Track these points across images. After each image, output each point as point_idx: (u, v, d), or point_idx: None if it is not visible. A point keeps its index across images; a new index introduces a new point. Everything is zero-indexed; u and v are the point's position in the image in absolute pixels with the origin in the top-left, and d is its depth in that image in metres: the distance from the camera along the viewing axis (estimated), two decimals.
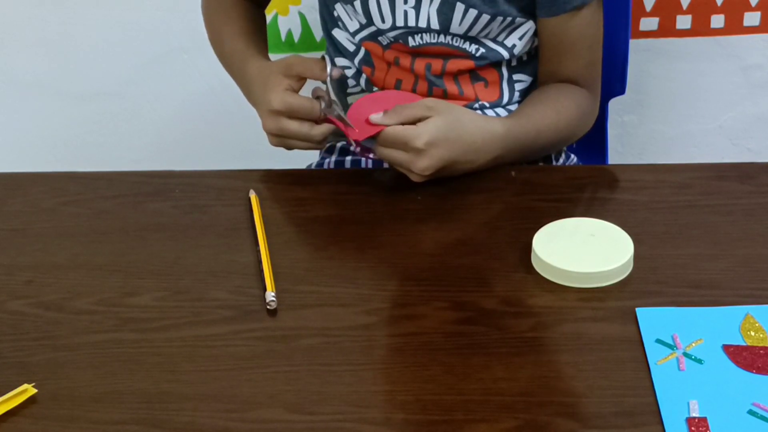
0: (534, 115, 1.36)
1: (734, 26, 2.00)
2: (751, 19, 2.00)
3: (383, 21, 1.39)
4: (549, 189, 1.29)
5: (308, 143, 1.30)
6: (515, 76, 1.45)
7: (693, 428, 0.95)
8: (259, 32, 1.51)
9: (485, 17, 1.36)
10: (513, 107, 1.46)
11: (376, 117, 1.25)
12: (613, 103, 1.62)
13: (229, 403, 1.00)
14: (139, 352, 1.07)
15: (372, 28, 1.42)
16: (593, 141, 1.62)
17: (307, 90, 1.32)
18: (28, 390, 1.01)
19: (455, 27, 1.37)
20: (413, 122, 1.24)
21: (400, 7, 1.38)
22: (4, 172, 1.35)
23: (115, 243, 1.22)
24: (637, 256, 1.15)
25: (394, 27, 1.39)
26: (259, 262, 1.16)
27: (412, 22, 1.38)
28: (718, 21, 1.99)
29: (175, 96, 2.08)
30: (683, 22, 2.00)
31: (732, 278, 1.14)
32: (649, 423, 0.97)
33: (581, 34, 1.39)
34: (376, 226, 1.23)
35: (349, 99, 1.50)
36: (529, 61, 1.45)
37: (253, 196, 1.26)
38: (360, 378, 1.03)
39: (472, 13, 1.36)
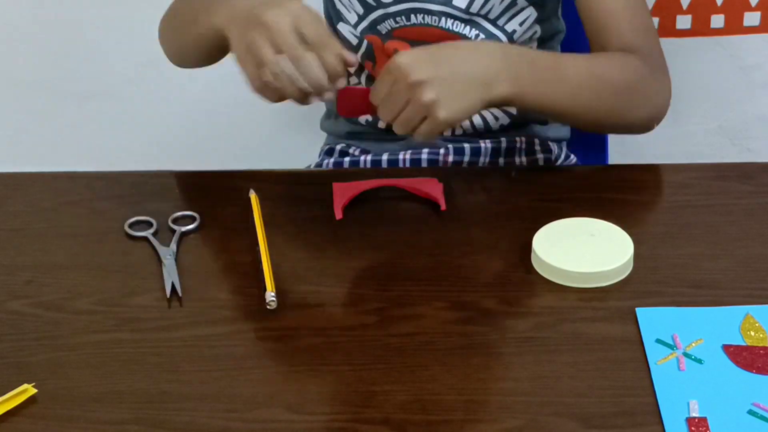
0: (556, 52, 1.29)
1: (734, 26, 2.00)
2: (751, 19, 2.00)
3: None
4: (549, 189, 1.29)
5: (309, 82, 1.15)
6: None
7: (693, 428, 0.95)
8: None
9: None
10: (509, 108, 1.46)
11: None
12: None
13: (229, 403, 1.00)
14: (139, 352, 1.07)
15: (372, 16, 1.41)
16: (593, 141, 1.62)
17: None
18: (28, 390, 1.01)
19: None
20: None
21: None
22: (4, 172, 1.35)
23: (115, 243, 1.22)
24: (637, 256, 1.15)
25: (396, 1, 1.37)
26: (259, 262, 1.16)
27: None
28: (718, 21, 1.99)
29: (175, 96, 2.08)
30: (683, 22, 1.99)
31: (732, 278, 1.14)
32: (649, 423, 0.97)
33: (619, 1, 1.33)
34: (376, 226, 1.23)
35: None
36: None
37: (253, 196, 1.26)
38: (360, 378, 1.03)
39: None
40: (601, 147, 1.63)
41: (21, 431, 0.99)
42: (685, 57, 2.02)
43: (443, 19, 1.39)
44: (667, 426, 0.96)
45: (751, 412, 0.97)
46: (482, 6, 1.38)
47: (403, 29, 1.41)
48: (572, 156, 1.54)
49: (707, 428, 0.95)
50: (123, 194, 1.30)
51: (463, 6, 1.38)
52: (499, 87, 1.20)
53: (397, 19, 1.40)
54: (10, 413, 1.00)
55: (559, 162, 1.51)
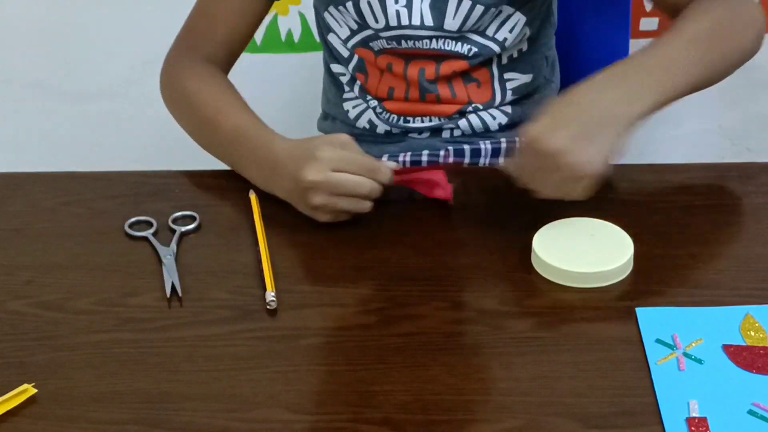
0: (643, 48, 1.23)
1: None
2: None
3: (376, 21, 1.38)
4: None
5: (365, 195, 1.21)
6: (506, 75, 1.45)
7: (693, 428, 0.95)
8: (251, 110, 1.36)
9: (479, 9, 1.36)
10: (506, 108, 1.46)
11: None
12: None
13: (229, 403, 1.00)
14: (139, 352, 1.07)
15: (363, 34, 1.42)
16: None
17: None
18: (28, 390, 1.01)
19: (449, 22, 1.37)
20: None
21: (391, 7, 1.37)
22: (4, 172, 1.35)
23: (115, 243, 1.22)
24: (637, 256, 1.15)
25: (387, 27, 1.38)
26: (259, 262, 1.16)
27: (405, 21, 1.37)
28: None
29: None
30: None
31: (732, 278, 1.14)
32: (649, 423, 0.97)
33: None
34: (376, 226, 1.23)
35: (347, 105, 1.49)
36: (520, 59, 1.45)
37: (253, 196, 1.26)
38: (360, 378, 1.03)
39: (466, 4, 1.36)
40: None
41: (21, 431, 0.99)
42: None
43: (434, 40, 1.39)
44: (667, 426, 0.96)
45: (751, 412, 0.97)
46: (474, 24, 1.38)
47: (395, 49, 1.42)
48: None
49: (707, 428, 0.95)
50: (123, 194, 1.30)
51: (455, 28, 1.38)
52: (630, 115, 1.16)
53: (389, 41, 1.40)
54: (10, 413, 1.00)
55: None
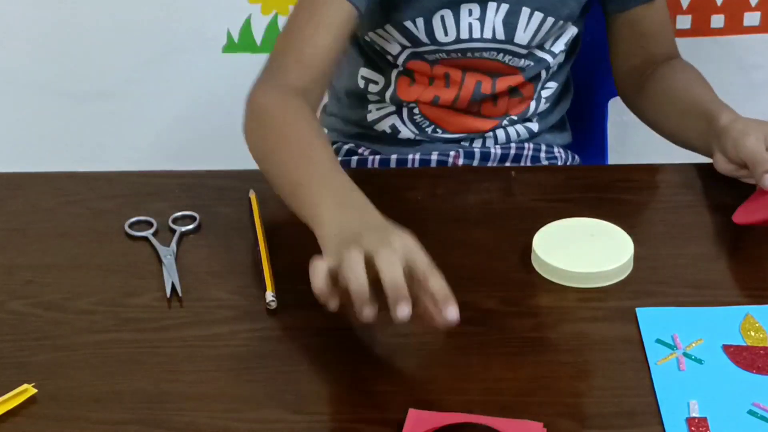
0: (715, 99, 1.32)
1: (734, 26, 2.00)
2: (751, 19, 2.00)
3: (446, 35, 1.36)
4: (549, 189, 1.29)
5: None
6: (546, 85, 1.44)
7: (693, 428, 0.95)
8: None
9: (549, 21, 1.35)
10: (534, 120, 1.45)
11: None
12: (613, 103, 1.62)
13: (229, 403, 1.00)
14: (139, 352, 1.07)
15: (421, 49, 1.37)
16: (593, 141, 1.62)
17: None
18: (28, 390, 1.01)
19: (519, 35, 1.36)
20: None
21: (464, 20, 1.35)
22: (4, 172, 1.35)
23: (115, 243, 1.22)
24: (637, 256, 1.15)
25: (457, 40, 1.36)
26: (259, 262, 1.16)
27: (477, 34, 1.36)
28: (718, 21, 2.00)
29: (175, 96, 2.08)
30: (683, 22, 2.00)
31: (732, 278, 1.14)
32: (649, 423, 0.97)
33: (664, 11, 1.39)
34: None
35: (370, 107, 1.47)
36: (558, 70, 1.45)
37: (253, 196, 1.26)
38: (360, 378, 1.03)
39: (538, 17, 1.35)
40: (601, 147, 1.63)
41: (21, 431, 0.99)
42: (685, 57, 2.02)
43: (501, 54, 1.38)
44: (667, 426, 0.96)
45: (751, 412, 0.97)
46: (542, 38, 1.37)
47: (455, 60, 1.39)
48: (576, 157, 1.54)
49: (707, 428, 0.95)
50: (123, 194, 1.30)
51: (525, 42, 1.37)
52: None
53: (452, 54, 1.38)
54: (10, 413, 1.00)
55: (559, 162, 1.51)
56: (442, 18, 1.35)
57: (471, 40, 1.36)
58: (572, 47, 1.45)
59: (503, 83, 1.41)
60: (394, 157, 1.45)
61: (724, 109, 1.26)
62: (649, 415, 0.97)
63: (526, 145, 1.46)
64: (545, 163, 1.47)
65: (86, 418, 1.00)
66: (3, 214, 1.28)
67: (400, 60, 1.41)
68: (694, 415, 0.97)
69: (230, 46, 2.03)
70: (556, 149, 1.49)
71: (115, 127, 2.13)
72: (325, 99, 1.54)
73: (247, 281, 1.15)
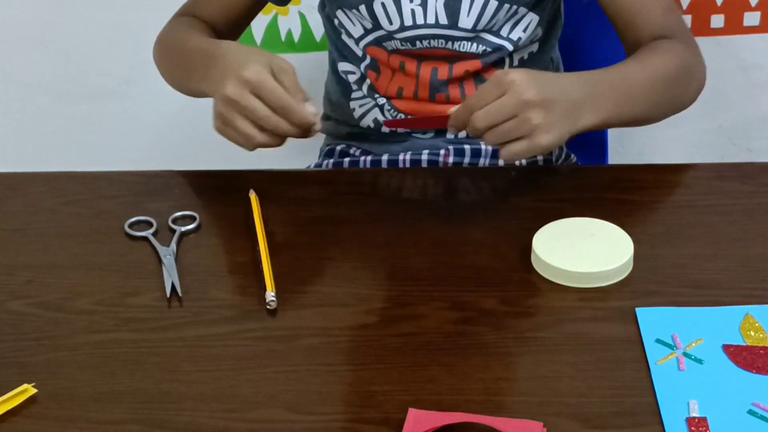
0: (616, 65, 1.29)
1: (734, 26, 2.00)
2: (751, 19, 2.00)
3: (390, 23, 1.39)
4: (549, 189, 1.29)
5: (271, 128, 1.18)
6: None
7: (693, 428, 0.95)
8: None
9: (493, 4, 1.36)
10: None
11: (453, 109, 1.18)
12: None
13: (229, 403, 1.00)
14: (139, 352, 1.07)
15: (376, 33, 1.42)
16: (593, 141, 1.62)
17: None
18: (28, 390, 1.01)
19: (463, 20, 1.37)
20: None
21: (406, 6, 1.37)
22: (4, 172, 1.35)
23: (115, 243, 1.22)
24: (637, 256, 1.15)
25: (402, 28, 1.39)
26: (259, 262, 1.16)
27: (420, 20, 1.38)
28: (718, 21, 2.00)
29: (175, 96, 2.07)
30: None
31: (732, 278, 1.14)
32: (649, 423, 0.97)
33: None
34: (376, 226, 1.23)
35: (353, 104, 1.49)
36: (530, 60, 1.45)
37: (253, 196, 1.26)
38: (360, 378, 1.03)
39: (479, 1, 1.36)
40: (601, 147, 1.63)
41: (21, 431, 0.99)
42: None
43: (449, 42, 1.39)
44: (667, 426, 0.96)
45: (751, 412, 0.97)
46: (488, 22, 1.38)
47: (408, 50, 1.42)
48: (572, 156, 1.54)
49: (707, 428, 0.95)
50: (123, 194, 1.30)
51: (470, 26, 1.38)
52: (585, 119, 1.20)
53: (403, 42, 1.40)
54: (10, 413, 1.00)
55: (559, 162, 1.51)
56: (383, 4, 1.38)
57: (415, 26, 1.38)
58: (546, 37, 1.45)
59: (460, 68, 1.41)
60: (385, 157, 1.45)
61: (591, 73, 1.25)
62: (649, 415, 0.97)
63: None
64: (540, 157, 1.47)
65: (86, 418, 1.00)
66: (3, 214, 1.28)
67: (362, 45, 1.44)
68: (694, 415, 0.97)
69: None
70: None
71: (115, 127, 2.13)
72: (322, 109, 1.57)
73: (247, 281, 1.15)
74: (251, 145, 1.19)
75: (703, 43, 2.00)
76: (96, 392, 1.02)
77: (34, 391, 1.02)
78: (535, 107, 1.14)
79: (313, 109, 1.18)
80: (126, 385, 1.03)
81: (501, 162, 1.46)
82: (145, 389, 1.02)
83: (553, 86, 1.18)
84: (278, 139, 1.19)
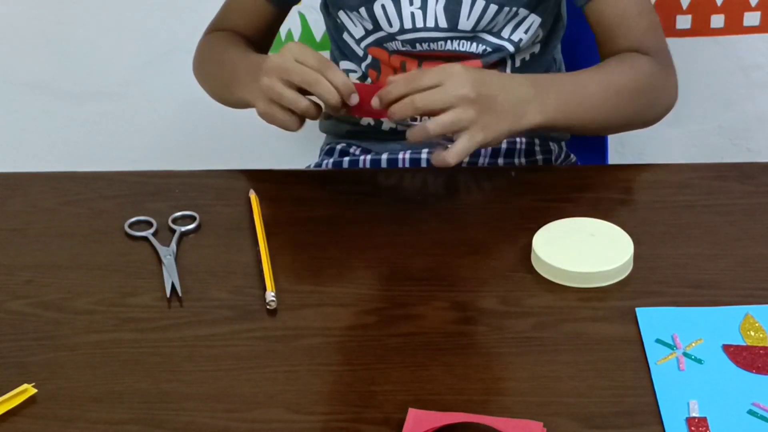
0: (573, 72, 1.32)
1: (734, 26, 2.00)
2: (751, 19, 2.00)
3: (390, 25, 1.39)
4: (549, 189, 1.29)
5: (295, 111, 1.24)
6: None
7: (693, 428, 0.95)
8: None
9: (493, 8, 1.36)
10: None
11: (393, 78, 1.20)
12: None
13: (229, 403, 1.00)
14: (139, 352, 1.07)
15: (377, 35, 1.42)
16: (593, 141, 1.62)
17: None
18: (28, 390, 1.01)
19: (463, 22, 1.37)
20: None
21: (406, 9, 1.38)
22: (4, 172, 1.35)
23: (115, 243, 1.22)
24: (637, 256, 1.15)
25: (402, 30, 1.39)
26: (259, 262, 1.16)
27: (419, 23, 1.38)
28: (718, 21, 1.99)
29: (175, 96, 2.08)
30: (683, 22, 2.00)
31: (732, 278, 1.14)
32: (649, 423, 0.97)
33: (628, 2, 1.36)
34: (376, 226, 1.23)
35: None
36: (532, 61, 1.45)
37: (253, 196, 1.26)
38: (360, 378, 1.03)
39: (480, 4, 1.36)
40: (601, 147, 1.63)
41: (21, 431, 0.99)
42: (685, 57, 2.02)
43: (449, 42, 1.39)
44: (667, 426, 0.96)
45: (751, 412, 0.97)
46: (488, 24, 1.38)
47: (409, 51, 1.42)
48: (572, 156, 1.54)
49: (707, 428, 0.95)
50: (123, 194, 1.30)
51: (469, 28, 1.38)
52: (528, 117, 1.23)
53: (403, 44, 1.40)
54: (10, 413, 1.00)
55: (559, 162, 1.51)
56: (383, 6, 1.38)
57: (415, 29, 1.39)
58: (548, 38, 1.45)
59: None
60: (384, 156, 1.46)
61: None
62: (649, 415, 0.97)
63: (518, 139, 1.46)
64: (540, 157, 1.47)
65: (86, 418, 1.00)
66: (3, 214, 1.28)
67: (363, 45, 1.44)
68: (694, 414, 0.97)
69: None
70: (551, 143, 1.49)
71: (115, 127, 2.13)
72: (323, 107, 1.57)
73: (247, 281, 1.15)
74: (299, 108, 1.23)
75: (703, 43, 2.01)
76: (96, 392, 1.02)
77: (34, 391, 1.02)
78: (470, 103, 1.18)
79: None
80: (126, 385, 1.03)
81: (500, 162, 1.46)
82: (145, 389, 1.02)
83: (492, 84, 1.21)
84: (317, 109, 1.23)
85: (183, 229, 1.23)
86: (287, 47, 1.23)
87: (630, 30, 1.36)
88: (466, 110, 1.18)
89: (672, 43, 2.01)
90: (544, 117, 1.24)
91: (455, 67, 1.19)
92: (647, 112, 1.35)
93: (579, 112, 1.28)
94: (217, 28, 1.50)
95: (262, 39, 1.51)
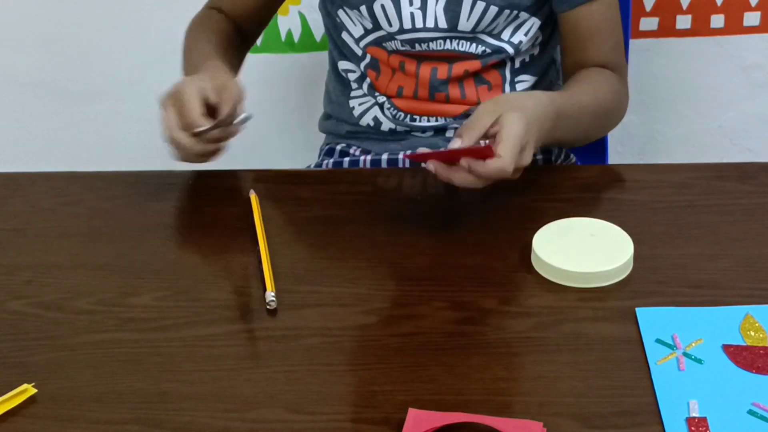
0: (575, 90, 1.34)
1: (734, 26, 2.00)
2: (751, 19, 2.00)
3: (390, 24, 1.39)
4: (549, 189, 1.29)
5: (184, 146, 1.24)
6: (517, 78, 1.45)
7: (693, 428, 0.95)
8: (234, 55, 1.46)
9: (493, 9, 1.36)
10: None
11: (454, 144, 1.17)
12: None
13: (229, 403, 1.00)
14: (139, 352, 1.07)
15: (377, 34, 1.42)
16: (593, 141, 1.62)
17: None
18: (28, 390, 1.01)
19: (463, 23, 1.37)
20: (486, 133, 1.18)
21: (406, 10, 1.38)
22: (4, 172, 1.35)
23: (115, 243, 1.22)
24: (637, 256, 1.15)
25: (401, 30, 1.39)
26: (259, 262, 1.16)
27: (419, 24, 1.38)
28: (718, 21, 1.99)
29: None
30: (683, 22, 2.00)
31: (732, 278, 1.14)
32: (649, 423, 0.97)
33: (603, 17, 1.39)
34: (376, 226, 1.23)
35: (353, 102, 1.49)
36: (532, 62, 1.45)
37: (253, 196, 1.26)
38: (360, 378, 1.03)
39: (480, 6, 1.36)
40: (601, 147, 1.63)
41: (21, 431, 0.99)
42: (685, 57, 2.02)
43: (447, 41, 1.39)
44: (667, 426, 0.96)
45: (751, 412, 0.97)
46: (488, 25, 1.38)
47: (408, 51, 1.42)
48: (572, 156, 1.54)
49: (707, 428, 0.95)
50: (123, 194, 1.30)
51: (469, 29, 1.38)
52: (543, 140, 1.24)
53: (403, 43, 1.40)
54: (10, 413, 1.00)
55: (559, 162, 1.51)
56: (383, 6, 1.38)
57: (415, 29, 1.39)
58: (547, 40, 1.45)
59: (459, 68, 1.42)
60: (384, 156, 1.46)
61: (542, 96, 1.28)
62: (649, 414, 0.97)
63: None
64: (540, 157, 1.48)
65: (86, 418, 1.00)
66: (3, 214, 1.28)
67: (362, 44, 1.44)
68: (694, 414, 0.97)
69: None
70: None
71: (115, 127, 2.13)
72: (322, 109, 1.57)
73: (247, 281, 1.15)
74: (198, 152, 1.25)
75: (703, 43, 2.01)
76: (96, 392, 1.02)
77: (34, 391, 1.02)
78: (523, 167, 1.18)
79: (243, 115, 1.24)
80: (126, 385, 1.03)
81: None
82: (145, 389, 1.02)
83: (532, 132, 1.20)
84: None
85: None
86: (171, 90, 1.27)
87: (601, 45, 1.40)
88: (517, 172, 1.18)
89: (672, 43, 2.02)
90: (534, 148, 1.23)
91: (528, 156, 1.17)
92: (612, 126, 1.42)
93: (564, 136, 1.32)
94: (214, 5, 1.51)
95: (256, 23, 1.53)
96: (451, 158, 1.15)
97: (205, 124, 1.22)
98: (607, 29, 1.40)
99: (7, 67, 2.07)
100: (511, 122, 1.16)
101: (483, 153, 1.14)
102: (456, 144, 1.16)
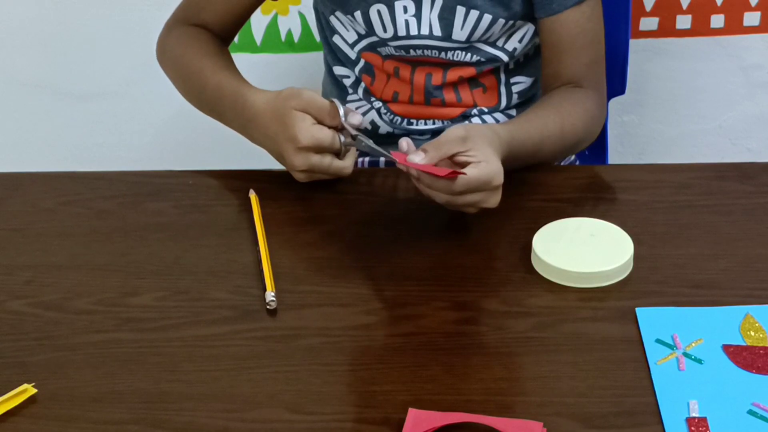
0: (536, 121, 1.32)
1: (734, 26, 2.00)
2: (751, 19, 2.00)
3: (384, 30, 1.39)
4: (549, 189, 1.29)
5: (337, 175, 1.26)
6: (513, 79, 1.45)
7: (693, 428, 0.95)
8: (236, 68, 1.43)
9: (487, 18, 1.36)
10: (511, 111, 1.46)
11: (415, 157, 1.16)
12: (613, 103, 1.62)
13: (229, 403, 1.00)
14: (139, 352, 1.07)
15: (371, 39, 1.42)
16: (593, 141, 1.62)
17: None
18: (28, 390, 1.01)
19: (457, 32, 1.37)
20: (452, 156, 1.17)
21: (400, 17, 1.37)
22: (4, 172, 1.35)
23: (115, 243, 1.22)
24: (637, 256, 1.15)
25: (395, 37, 1.39)
26: (259, 262, 1.16)
27: (414, 31, 1.38)
28: (718, 21, 1.99)
29: (176, 96, 2.07)
30: (683, 22, 2.00)
31: (732, 278, 1.14)
32: (649, 423, 0.97)
33: (581, 29, 1.37)
34: (376, 226, 1.23)
35: (349, 106, 1.49)
36: (527, 63, 1.45)
37: (253, 196, 1.26)
38: (360, 378, 1.03)
39: (474, 15, 1.36)
40: (601, 147, 1.63)
41: (21, 431, 0.99)
42: (685, 57, 2.02)
43: (443, 52, 1.39)
44: (667, 426, 0.96)
45: (751, 412, 0.97)
46: (482, 34, 1.38)
47: (402, 57, 1.42)
48: (572, 156, 1.54)
49: (707, 428, 0.95)
50: (123, 194, 1.30)
51: (463, 39, 1.38)
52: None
53: (396, 49, 1.40)
54: (10, 413, 1.00)
55: (559, 162, 1.51)
56: (379, 12, 1.38)
57: (409, 36, 1.38)
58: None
59: (454, 74, 1.42)
60: (382, 159, 1.45)
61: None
62: (649, 414, 0.97)
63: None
64: None
65: (86, 418, 1.00)
66: (3, 214, 1.28)
67: (357, 49, 1.44)
68: (694, 415, 0.97)
69: (230, 47, 2.03)
70: None
71: (115, 127, 2.13)
72: None
73: (247, 281, 1.15)
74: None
75: (703, 43, 2.01)
76: (96, 392, 1.02)
77: (34, 391, 1.02)
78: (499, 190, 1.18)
79: (357, 119, 1.25)
80: (126, 385, 1.03)
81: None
82: (145, 389, 1.02)
83: (505, 150, 1.21)
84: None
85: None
86: (302, 141, 1.23)
87: (577, 60, 1.38)
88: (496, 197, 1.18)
89: (672, 43, 2.02)
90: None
91: (499, 179, 1.17)
92: (581, 146, 1.40)
93: (526, 162, 1.30)
94: (182, 19, 1.47)
95: (231, 31, 1.48)
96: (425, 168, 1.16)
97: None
98: (584, 42, 1.37)
99: (7, 67, 2.07)
100: (491, 159, 1.16)
101: (449, 175, 1.13)
102: (418, 158, 1.15)
